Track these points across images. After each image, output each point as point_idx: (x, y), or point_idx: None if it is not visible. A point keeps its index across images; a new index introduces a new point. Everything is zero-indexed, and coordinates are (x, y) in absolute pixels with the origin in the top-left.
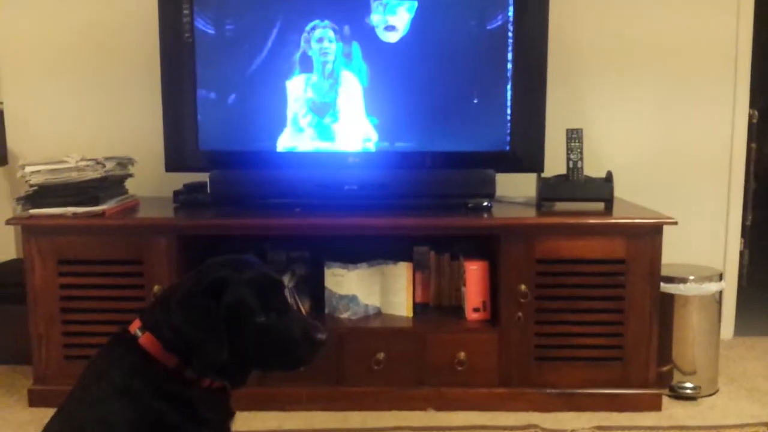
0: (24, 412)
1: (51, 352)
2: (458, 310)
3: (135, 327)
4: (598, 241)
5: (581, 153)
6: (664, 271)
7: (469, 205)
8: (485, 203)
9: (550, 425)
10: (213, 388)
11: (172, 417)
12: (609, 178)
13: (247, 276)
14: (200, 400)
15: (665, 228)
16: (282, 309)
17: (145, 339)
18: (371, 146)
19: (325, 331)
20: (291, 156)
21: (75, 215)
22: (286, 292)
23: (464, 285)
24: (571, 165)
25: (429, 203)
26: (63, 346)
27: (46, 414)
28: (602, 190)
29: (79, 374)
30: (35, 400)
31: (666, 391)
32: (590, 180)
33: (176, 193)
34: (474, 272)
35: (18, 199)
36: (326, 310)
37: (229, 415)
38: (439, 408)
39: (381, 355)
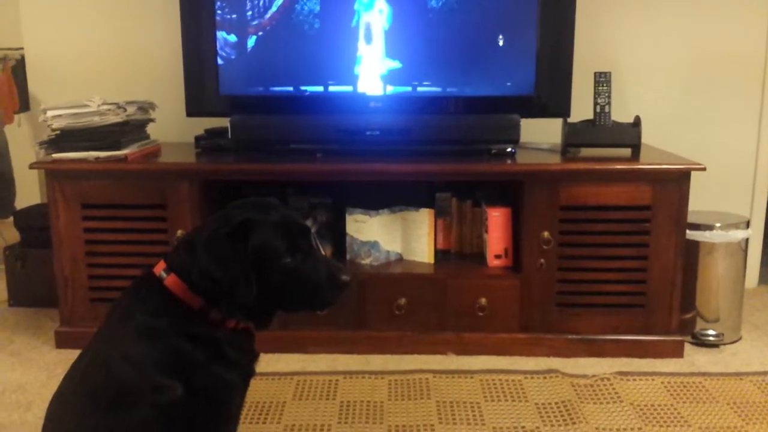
0: (51, 353)
1: (76, 294)
2: (480, 257)
3: (160, 269)
4: (624, 187)
5: (609, 97)
6: (690, 218)
7: (493, 151)
8: (509, 149)
9: (570, 370)
10: (238, 329)
11: (197, 356)
12: (637, 123)
13: (273, 218)
14: (225, 341)
15: (692, 174)
16: (307, 251)
17: (170, 280)
18: (393, 90)
19: (350, 273)
20: (312, 100)
21: (97, 159)
22: (312, 234)
23: (486, 232)
24: (598, 109)
25: (452, 149)
26: (88, 288)
27: (73, 355)
28: (629, 135)
29: (105, 315)
30: (62, 341)
31: (688, 338)
32: (617, 125)
33: (198, 138)
34: (496, 219)
35: (41, 144)
36: (348, 256)
37: (254, 356)
38: (460, 352)
39: (402, 301)
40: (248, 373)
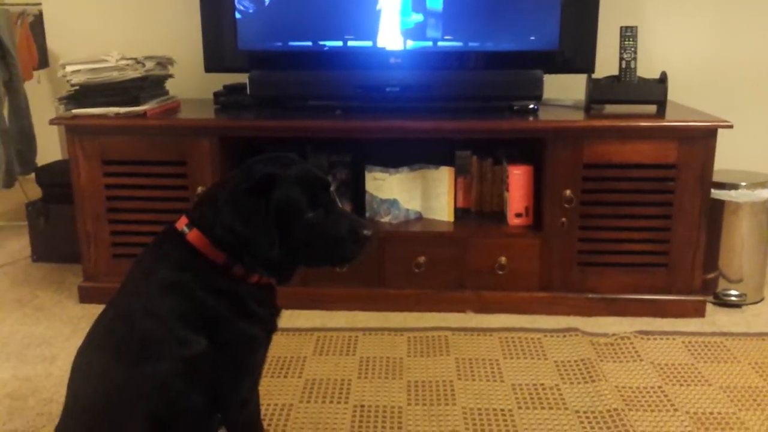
0: (75, 307)
1: (99, 250)
2: (500, 215)
3: (182, 224)
4: (649, 145)
5: (635, 52)
6: (715, 177)
7: (515, 108)
8: (531, 106)
9: (590, 329)
10: (260, 284)
11: (221, 311)
12: (663, 79)
13: (294, 173)
14: (248, 295)
15: (719, 132)
16: (328, 206)
17: (192, 235)
18: (414, 45)
19: (372, 228)
20: (331, 56)
21: (117, 115)
22: (332, 190)
23: (507, 190)
24: (623, 65)
25: (473, 106)
26: (110, 244)
27: (97, 310)
28: (655, 91)
29: (128, 270)
30: (85, 296)
31: (710, 298)
32: (643, 81)
33: (216, 95)
34: (517, 177)
35: (60, 99)
36: (367, 214)
37: (276, 311)
38: (479, 311)
39: (422, 259)
40: (271, 328)
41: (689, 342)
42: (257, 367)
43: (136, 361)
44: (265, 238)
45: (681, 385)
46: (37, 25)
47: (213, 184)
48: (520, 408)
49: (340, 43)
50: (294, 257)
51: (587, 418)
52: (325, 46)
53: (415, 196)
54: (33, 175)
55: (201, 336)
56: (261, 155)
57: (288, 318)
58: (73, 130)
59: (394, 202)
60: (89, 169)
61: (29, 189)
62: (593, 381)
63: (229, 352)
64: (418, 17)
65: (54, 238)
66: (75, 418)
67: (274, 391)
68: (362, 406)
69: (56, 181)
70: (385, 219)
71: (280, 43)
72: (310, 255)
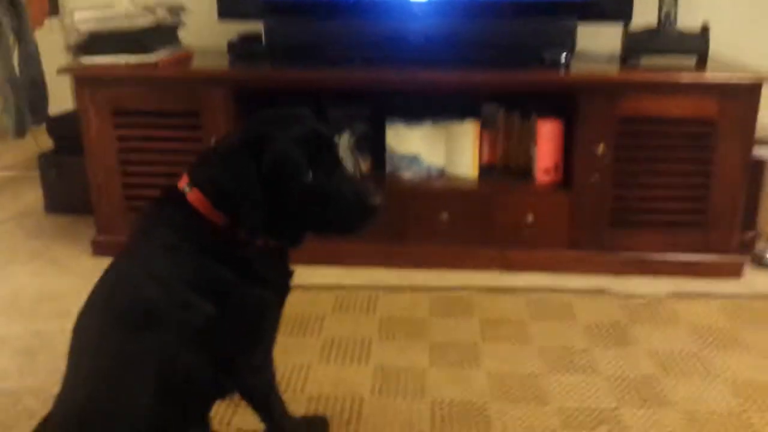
0: (88, 261)
1: (112, 202)
2: (526, 171)
3: (183, 183)
4: (688, 99)
5: (675, 1)
6: (758, 134)
7: (545, 60)
8: (563, 57)
9: (622, 289)
10: (269, 247)
11: (225, 275)
12: (705, 29)
13: (294, 132)
14: (256, 259)
15: (763, 87)
16: (332, 169)
17: (193, 195)
18: None
19: (381, 195)
20: (351, 4)
21: (128, 64)
22: (341, 151)
23: (535, 145)
24: (662, 14)
25: (500, 57)
26: (123, 197)
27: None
28: (696, 43)
29: (131, 230)
30: (98, 249)
31: (748, 258)
32: (683, 32)
33: (230, 44)
34: (547, 132)
35: (69, 48)
36: (387, 170)
37: (288, 274)
38: (504, 269)
39: (444, 216)
40: (283, 291)
41: (726, 305)
42: (270, 332)
43: (140, 330)
44: (251, 199)
45: (719, 350)
46: None
47: (216, 139)
48: (548, 372)
49: None
50: (293, 223)
51: (619, 384)
52: None
53: (438, 150)
54: (44, 125)
55: (207, 302)
56: (270, 110)
57: (306, 274)
58: (83, 80)
59: (415, 158)
60: (100, 121)
61: (41, 140)
62: (625, 345)
63: (239, 318)
64: None
65: (67, 189)
66: (76, 390)
67: (293, 351)
68: (383, 367)
69: (68, 133)
70: (406, 175)
71: None
72: (311, 222)
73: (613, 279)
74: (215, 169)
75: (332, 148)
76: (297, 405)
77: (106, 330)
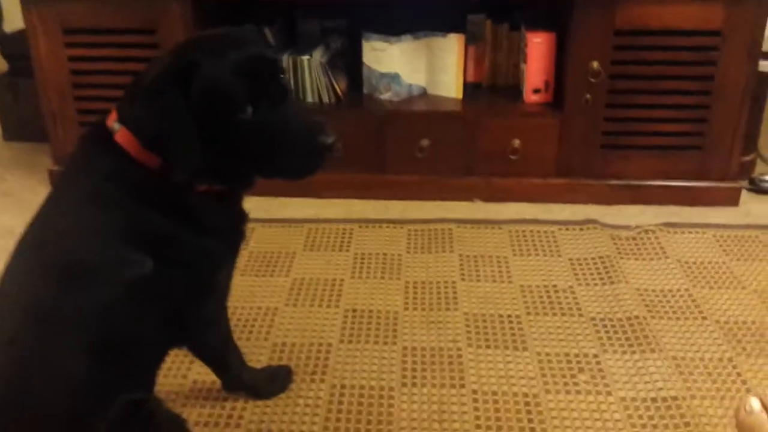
0: (45, 193)
1: (67, 130)
2: (515, 91)
3: (112, 120)
4: (692, 8)
5: None
6: (765, 47)
7: None
8: None
9: (611, 220)
10: (214, 191)
11: (162, 225)
12: None
13: (230, 58)
14: (199, 206)
15: None
16: (276, 102)
17: (120, 135)
18: None
19: (333, 134)
20: None
21: None
22: (313, 71)
23: (524, 61)
24: None
25: None
26: (79, 124)
27: None
28: None
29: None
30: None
31: (745, 183)
32: None
33: None
34: (537, 46)
35: None
36: (364, 90)
37: (241, 220)
38: (487, 199)
39: (425, 142)
40: (235, 239)
41: (721, 236)
42: (222, 284)
43: (70, 287)
44: (181, 140)
45: (711, 287)
46: None
47: (144, 67)
48: (528, 314)
49: None
50: (235, 165)
51: (604, 326)
52: None
53: (419, 68)
54: None
55: (144, 255)
56: (207, 32)
57: (275, 207)
58: None
59: (395, 77)
60: (49, 41)
61: None
62: (612, 283)
63: (185, 272)
64: None
65: (24, 115)
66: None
67: (258, 293)
68: (354, 310)
69: (25, 52)
70: (385, 96)
71: None
72: (254, 163)
73: (603, 209)
74: (139, 106)
75: (276, 77)
76: (259, 354)
77: (32, 288)
